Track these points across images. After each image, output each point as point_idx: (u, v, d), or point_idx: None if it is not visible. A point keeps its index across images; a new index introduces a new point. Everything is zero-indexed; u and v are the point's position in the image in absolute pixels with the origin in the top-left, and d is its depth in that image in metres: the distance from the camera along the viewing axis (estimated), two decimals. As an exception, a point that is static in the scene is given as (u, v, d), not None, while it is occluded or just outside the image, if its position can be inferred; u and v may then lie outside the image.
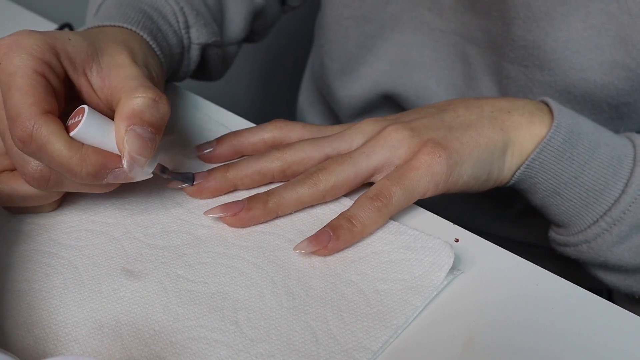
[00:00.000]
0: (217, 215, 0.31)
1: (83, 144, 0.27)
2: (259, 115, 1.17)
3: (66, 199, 0.33)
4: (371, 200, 0.30)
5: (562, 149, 0.33)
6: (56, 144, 0.26)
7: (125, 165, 0.27)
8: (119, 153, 0.27)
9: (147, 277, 0.28)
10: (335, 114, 0.58)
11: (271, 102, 1.18)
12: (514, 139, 0.33)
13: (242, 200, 0.31)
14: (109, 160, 0.27)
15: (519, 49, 0.41)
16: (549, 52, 0.39)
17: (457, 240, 0.31)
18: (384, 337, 0.25)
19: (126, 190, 0.34)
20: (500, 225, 0.51)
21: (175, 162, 0.36)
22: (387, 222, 0.31)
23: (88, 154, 0.27)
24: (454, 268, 0.28)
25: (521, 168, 0.34)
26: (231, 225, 0.31)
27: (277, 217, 0.32)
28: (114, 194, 0.34)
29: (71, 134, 0.27)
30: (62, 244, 0.30)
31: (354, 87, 0.53)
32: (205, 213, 0.31)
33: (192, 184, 0.32)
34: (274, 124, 0.36)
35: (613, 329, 0.26)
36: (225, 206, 0.31)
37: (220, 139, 0.35)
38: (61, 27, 0.60)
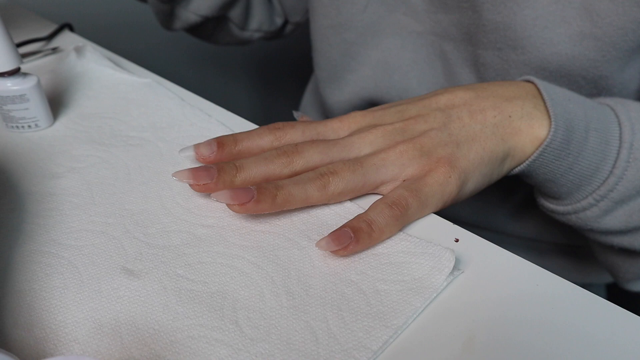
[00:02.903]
0: (225, 201, 0.30)
1: None
2: (261, 114, 1.17)
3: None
4: (389, 207, 0.30)
5: (560, 147, 0.34)
6: None
7: None
8: None
9: (147, 277, 0.28)
10: None
11: (272, 102, 1.17)
12: (514, 146, 0.34)
13: (251, 189, 0.30)
14: None
15: (490, 33, 0.42)
16: (519, 31, 0.40)
17: (457, 240, 0.31)
18: (384, 337, 0.25)
19: (126, 190, 0.34)
20: (498, 219, 0.51)
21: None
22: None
23: None
24: (454, 268, 0.28)
25: (520, 167, 0.35)
26: (237, 212, 0.31)
27: (281, 210, 0.32)
28: (114, 195, 0.34)
29: None
30: (62, 244, 0.30)
31: (341, 94, 0.54)
32: (213, 196, 0.30)
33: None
34: (272, 131, 0.35)
35: (613, 329, 0.26)
36: (233, 193, 0.30)
37: (220, 143, 0.35)
38: (61, 27, 0.60)
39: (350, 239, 0.29)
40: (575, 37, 0.39)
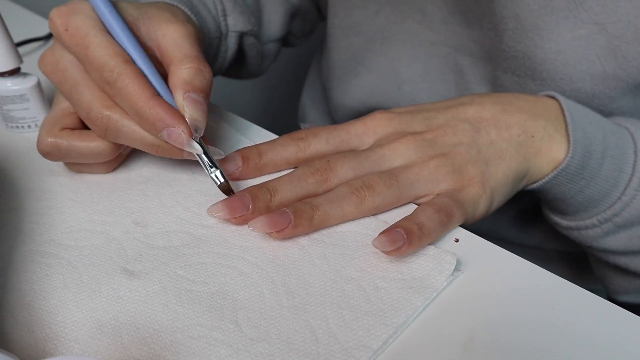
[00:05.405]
0: (262, 230, 0.29)
1: (159, 96, 0.30)
2: (263, 114, 1.17)
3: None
4: (437, 212, 0.30)
5: (575, 172, 0.34)
6: (136, 88, 0.29)
7: (184, 131, 0.29)
8: None
9: (147, 277, 0.28)
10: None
11: (273, 99, 1.17)
12: (533, 166, 0.34)
13: (287, 214, 0.30)
14: (171, 116, 0.29)
15: (511, 59, 0.41)
16: (539, 63, 0.39)
17: (457, 240, 0.31)
18: (384, 336, 0.25)
19: (126, 189, 0.34)
20: (501, 226, 0.51)
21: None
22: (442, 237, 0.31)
23: (159, 102, 0.29)
24: (454, 269, 0.28)
25: (533, 185, 0.36)
26: (275, 238, 0.30)
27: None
28: (114, 193, 0.34)
29: None
30: (62, 244, 0.30)
31: (346, 98, 0.53)
32: (249, 225, 0.30)
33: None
34: (295, 142, 0.35)
35: (613, 329, 0.26)
36: (270, 221, 0.29)
37: (244, 157, 0.34)
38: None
39: (404, 240, 0.28)
40: (598, 76, 0.38)
